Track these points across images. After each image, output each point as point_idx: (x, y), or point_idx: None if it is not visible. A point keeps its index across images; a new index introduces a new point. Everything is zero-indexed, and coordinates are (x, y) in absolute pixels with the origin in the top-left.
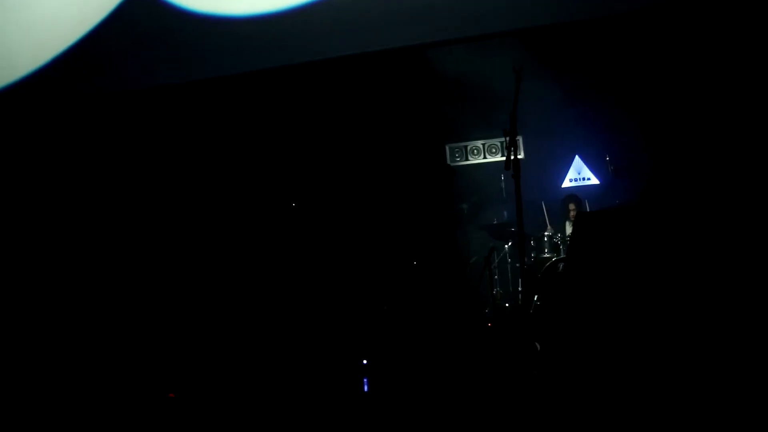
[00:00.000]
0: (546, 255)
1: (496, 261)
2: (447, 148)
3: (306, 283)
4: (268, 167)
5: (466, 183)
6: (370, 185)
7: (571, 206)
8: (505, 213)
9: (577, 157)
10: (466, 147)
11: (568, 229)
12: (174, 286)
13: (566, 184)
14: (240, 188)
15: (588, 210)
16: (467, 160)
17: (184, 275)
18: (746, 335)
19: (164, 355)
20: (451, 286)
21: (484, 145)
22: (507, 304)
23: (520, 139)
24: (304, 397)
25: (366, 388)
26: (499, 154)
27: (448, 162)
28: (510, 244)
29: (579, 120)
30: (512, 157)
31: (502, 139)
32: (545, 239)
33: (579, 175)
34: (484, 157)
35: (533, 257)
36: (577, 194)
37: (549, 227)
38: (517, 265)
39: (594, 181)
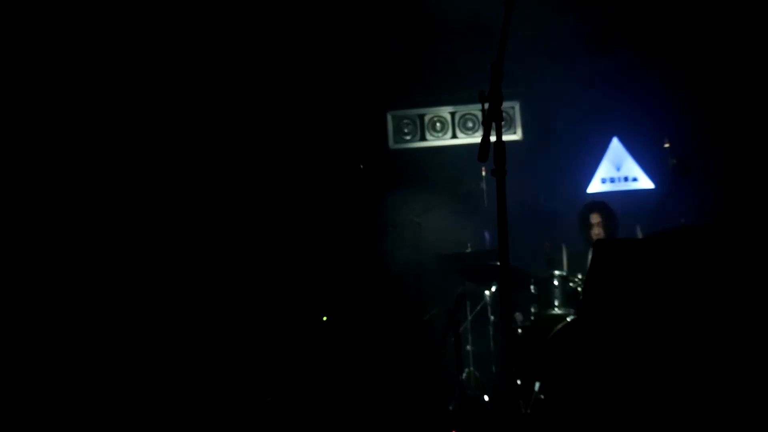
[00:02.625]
0: (556, 311)
1: (470, 318)
2: (389, 117)
3: None
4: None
5: (423, 180)
6: (260, 189)
7: (594, 218)
8: (487, 235)
9: (615, 140)
10: (422, 117)
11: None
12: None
13: (596, 187)
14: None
15: (637, 234)
16: (424, 139)
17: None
18: None
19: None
20: (391, 363)
21: (453, 115)
22: (486, 396)
23: (515, 107)
24: None
25: None
26: (478, 132)
27: (391, 143)
28: (493, 289)
29: (620, 84)
30: (492, 139)
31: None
32: (555, 283)
33: (618, 172)
34: (453, 136)
35: (534, 314)
36: (606, 203)
37: (565, 266)
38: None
39: (643, 183)
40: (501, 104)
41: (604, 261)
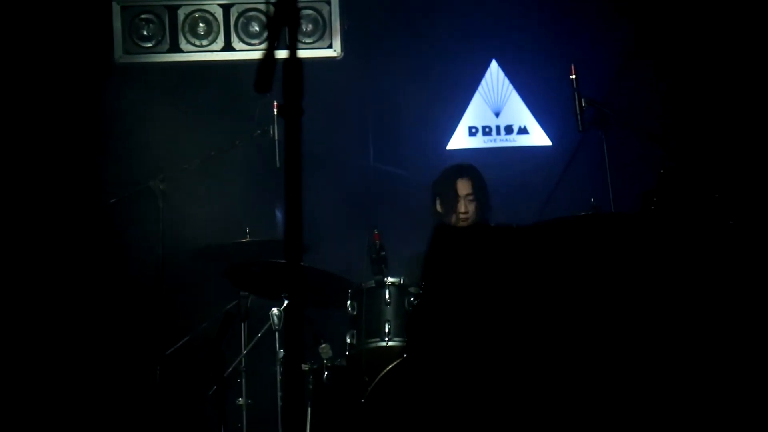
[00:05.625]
0: (387, 342)
1: (245, 352)
2: (116, 9)
3: None
4: None
5: (172, 119)
6: None
7: (463, 187)
8: (279, 215)
9: (494, 65)
10: (174, 11)
11: None
12: None
13: (460, 142)
14: None
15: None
16: (176, 50)
17: None
18: None
19: None
20: None
21: (227, 10)
22: None
23: (331, 2)
24: None
25: None
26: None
27: (119, 54)
28: (285, 304)
29: None
30: (282, 55)
31: None
32: (387, 297)
33: (497, 119)
34: (227, 47)
35: (352, 347)
36: (475, 168)
37: (404, 270)
38: (304, 366)
39: (536, 137)
40: None
41: (447, 262)
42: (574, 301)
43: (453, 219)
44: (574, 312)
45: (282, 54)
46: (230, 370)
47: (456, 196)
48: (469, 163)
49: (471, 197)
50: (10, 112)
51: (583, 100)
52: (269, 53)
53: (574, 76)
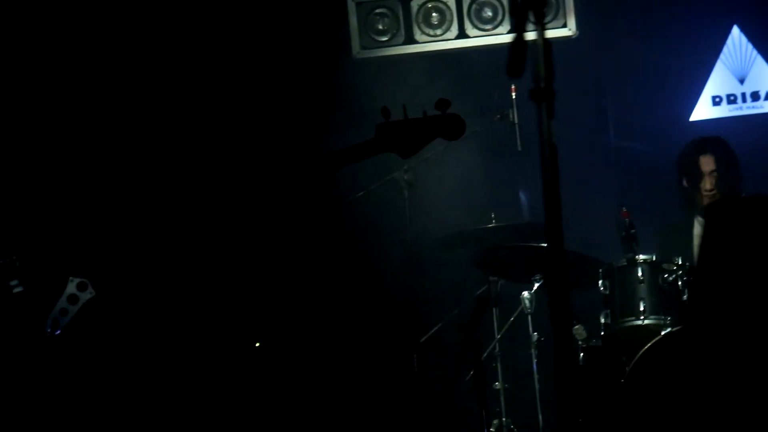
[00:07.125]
0: (642, 321)
1: (498, 337)
2: (352, 6)
3: None
4: None
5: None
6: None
7: (706, 164)
8: (523, 198)
9: (735, 31)
10: (407, 4)
11: (698, 239)
12: None
13: (704, 112)
14: None
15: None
16: (412, 41)
17: None
18: None
19: None
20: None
21: None
22: None
23: None
24: None
25: None
26: (502, 27)
27: (357, 49)
28: (536, 288)
29: None
30: (530, 38)
31: None
32: (640, 275)
33: (741, 86)
34: (461, 34)
35: (607, 327)
36: (724, 140)
37: (655, 247)
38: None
39: None
40: None
41: (724, 235)
42: None
43: (698, 196)
44: None
45: (527, 37)
46: (485, 355)
47: (700, 174)
48: (713, 136)
49: (715, 173)
50: (258, 117)
51: None
52: (519, 37)
53: None
